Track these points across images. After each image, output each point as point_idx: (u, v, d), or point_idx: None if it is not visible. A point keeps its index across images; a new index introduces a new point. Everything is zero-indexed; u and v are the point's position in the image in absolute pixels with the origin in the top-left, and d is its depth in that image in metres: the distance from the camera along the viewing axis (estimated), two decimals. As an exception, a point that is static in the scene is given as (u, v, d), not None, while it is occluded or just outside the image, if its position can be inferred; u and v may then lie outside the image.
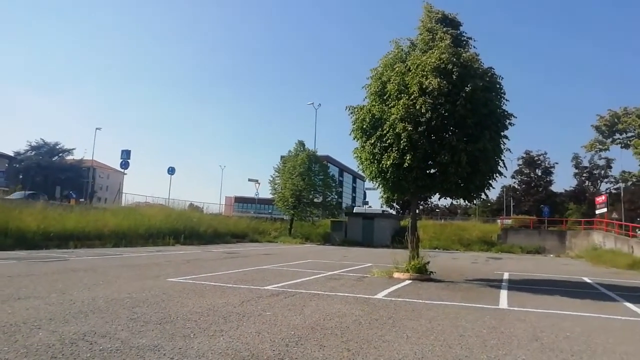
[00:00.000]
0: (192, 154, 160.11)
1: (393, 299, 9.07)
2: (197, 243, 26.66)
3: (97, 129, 55.31)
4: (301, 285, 10.58)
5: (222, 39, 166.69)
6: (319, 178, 38.86)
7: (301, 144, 39.65)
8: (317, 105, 49.03)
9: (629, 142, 12.55)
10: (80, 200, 44.31)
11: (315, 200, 38.44)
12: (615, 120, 13.08)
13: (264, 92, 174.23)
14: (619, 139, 13.24)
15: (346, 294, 9.35)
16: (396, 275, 12.91)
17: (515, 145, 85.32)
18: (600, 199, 37.35)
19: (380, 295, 9.43)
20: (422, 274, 12.78)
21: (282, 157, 42.30)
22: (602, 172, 58.69)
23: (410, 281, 12.18)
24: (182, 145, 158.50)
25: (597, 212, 36.20)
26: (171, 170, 41.66)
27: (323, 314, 7.06)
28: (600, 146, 13.32)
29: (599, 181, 60.23)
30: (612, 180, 55.40)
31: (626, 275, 17.71)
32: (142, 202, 40.54)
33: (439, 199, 15.18)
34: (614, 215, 38.69)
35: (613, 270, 20.29)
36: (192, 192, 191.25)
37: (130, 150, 38.41)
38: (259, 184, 45.50)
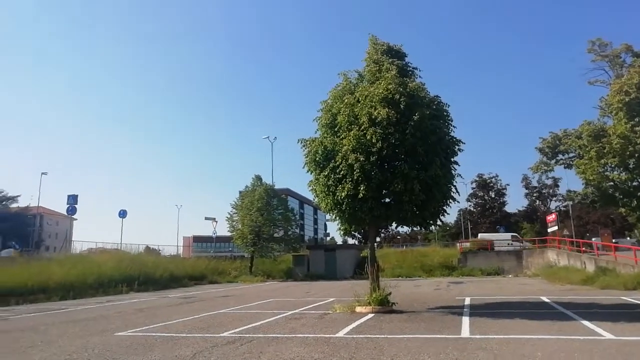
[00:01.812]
0: (146, 195, 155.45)
1: (355, 336, 8.75)
2: (153, 289, 25.35)
3: (42, 173, 52.95)
4: (260, 328, 10.08)
5: (173, 74, 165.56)
6: (278, 212, 38.35)
7: (258, 178, 39.21)
8: (273, 139, 48.94)
9: (571, 162, 13.26)
10: (26, 250, 41.62)
11: (276, 235, 37.78)
12: (557, 142, 13.80)
13: (219, 128, 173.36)
14: (562, 159, 14.01)
15: (307, 335, 8.96)
16: (358, 309, 12.60)
17: (469, 169, 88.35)
18: (551, 217, 38.79)
19: (341, 334, 9.08)
20: (384, 305, 12.54)
21: (240, 192, 41.59)
22: (551, 191, 61.48)
23: (372, 315, 11.90)
24: (135, 186, 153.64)
25: (549, 230, 37.49)
26: (122, 214, 39.98)
27: (280, 360, 6.65)
28: (545, 167, 13.99)
29: (548, 200, 62.98)
30: (561, 198, 58.08)
31: (581, 291, 18.14)
32: (94, 248, 38.62)
33: (396, 227, 15.19)
34: (565, 232, 40.21)
35: (568, 287, 20.76)
36: (149, 234, 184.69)
37: (77, 195, 36.51)
38: (217, 222, 44.43)
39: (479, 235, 39.37)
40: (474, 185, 66.61)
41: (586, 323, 9.67)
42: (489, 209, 64.29)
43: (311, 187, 14.22)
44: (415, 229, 19.03)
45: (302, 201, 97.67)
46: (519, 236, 41.51)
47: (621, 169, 12.27)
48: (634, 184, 12.18)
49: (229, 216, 38.69)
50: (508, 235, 40.86)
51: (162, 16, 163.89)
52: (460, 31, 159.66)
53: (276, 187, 41.85)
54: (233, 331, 9.65)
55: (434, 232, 69.08)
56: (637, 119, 11.87)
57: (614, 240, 39.07)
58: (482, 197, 66.14)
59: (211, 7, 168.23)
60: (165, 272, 28.84)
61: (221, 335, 9.21)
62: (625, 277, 19.17)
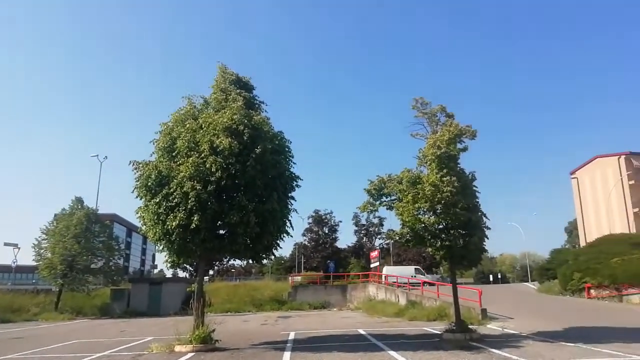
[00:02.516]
0: None
1: (171, 379, 7.98)
2: None
3: None
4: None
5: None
6: (99, 240, 34.30)
7: (79, 201, 34.68)
8: (103, 158, 44.13)
9: (392, 205, 14.80)
10: None
11: (93, 266, 33.45)
12: (382, 185, 15.27)
13: (37, 143, 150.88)
14: (385, 201, 15.48)
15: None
16: (178, 348, 11.72)
17: (307, 205, 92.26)
18: (374, 253, 42.50)
19: (156, 377, 8.20)
20: (207, 343, 11.90)
21: (55, 215, 36.11)
22: (377, 229, 67.50)
23: (192, 354, 11.17)
24: None
25: (372, 265, 40.92)
26: None
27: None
28: (371, 207, 15.29)
29: (374, 237, 68.93)
30: (384, 236, 64.12)
31: (393, 323, 19.88)
32: None
33: (227, 261, 14.82)
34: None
35: (384, 319, 22.57)
36: None
37: None
38: (19, 248, 37.77)
39: (385, 268, 40.84)
40: (310, 220, 69.66)
41: (392, 353, 10.56)
42: (322, 244, 67.55)
43: (139, 214, 13.10)
44: (249, 262, 18.87)
45: (131, 229, 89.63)
46: (421, 269, 44.32)
47: (431, 212, 13.96)
48: (440, 226, 13.90)
49: (36, 242, 33.19)
50: (412, 269, 43.16)
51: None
52: (309, 78, 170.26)
53: (101, 211, 37.71)
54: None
55: (267, 265, 69.69)
56: (445, 170, 13.71)
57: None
58: (316, 232, 69.30)
59: None
60: None
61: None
62: (428, 310, 21.66)
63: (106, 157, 44.41)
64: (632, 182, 48.43)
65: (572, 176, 57.07)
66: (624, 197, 48.38)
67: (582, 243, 48.16)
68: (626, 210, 48.01)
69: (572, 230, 74.05)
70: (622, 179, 48.72)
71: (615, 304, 24.87)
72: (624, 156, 49.67)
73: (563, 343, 11.73)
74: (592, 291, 27.92)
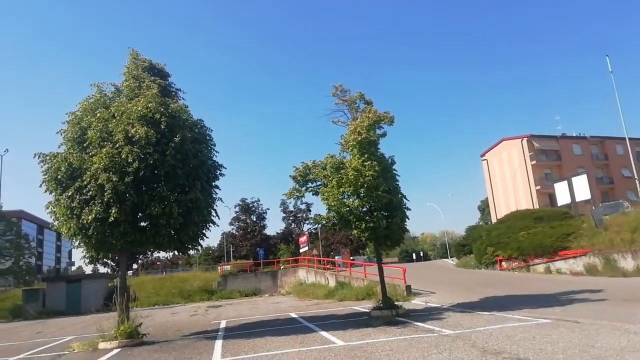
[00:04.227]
0: None
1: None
2: None
3: None
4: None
5: None
6: (5, 239, 31.63)
7: (-21, 198, 31.74)
8: (4, 151, 40.35)
9: (317, 190, 15.09)
10: None
11: (1, 266, 30.89)
12: (307, 171, 15.50)
13: None
14: (310, 187, 15.74)
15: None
16: (102, 345, 11.25)
17: (233, 193, 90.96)
18: (303, 239, 43.08)
19: (77, 378, 7.86)
20: (134, 338, 11.56)
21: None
22: (304, 215, 68.24)
23: (119, 350, 10.79)
24: None
25: (301, 250, 41.49)
26: None
27: None
28: (297, 194, 15.48)
29: (302, 223, 69.63)
30: (312, 221, 65.10)
31: (324, 305, 20.43)
32: None
33: (152, 253, 14.36)
34: (315, 252, 45.15)
35: (315, 301, 23.13)
36: None
37: None
38: None
39: (354, 259, 41.59)
40: (237, 209, 68.84)
41: (324, 333, 10.88)
42: (250, 232, 67.12)
43: (50, 209, 12.28)
44: (175, 253, 18.37)
45: (42, 225, 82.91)
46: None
47: (355, 196, 14.43)
48: (364, 209, 14.42)
49: None
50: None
51: None
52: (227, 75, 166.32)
53: (5, 208, 34.63)
54: None
55: (195, 256, 68.11)
56: (366, 155, 14.21)
57: (351, 258, 45.95)
58: (244, 221, 68.69)
59: None
60: None
61: None
62: (357, 290, 22.48)
63: (7, 150, 40.70)
64: (534, 162, 53.15)
65: (482, 158, 61.43)
66: (528, 176, 53.01)
67: (494, 219, 52.22)
68: (530, 187, 52.75)
69: (484, 208, 79.94)
70: (525, 159, 53.27)
71: (524, 273, 27.33)
72: (526, 138, 54.27)
73: (480, 312, 12.72)
74: (503, 263, 30.42)
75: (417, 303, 17.34)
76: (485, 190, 62.27)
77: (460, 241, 57.59)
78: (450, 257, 58.50)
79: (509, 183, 55.07)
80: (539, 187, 51.49)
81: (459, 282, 24.68)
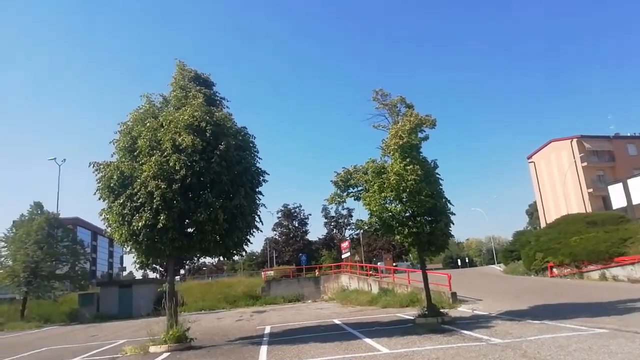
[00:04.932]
0: None
1: (145, 380, 7.94)
2: None
3: None
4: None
5: None
6: (63, 245, 33.29)
7: (38, 205, 33.54)
8: (62, 161, 42.84)
9: (359, 195, 15.05)
10: None
11: (58, 271, 32.53)
12: (349, 176, 15.51)
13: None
14: (352, 192, 15.74)
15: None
16: (152, 349, 11.60)
17: (276, 199, 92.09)
18: (345, 244, 42.99)
19: (130, 379, 8.14)
20: (182, 342, 11.85)
21: (14, 222, 34.76)
22: (346, 220, 68.05)
23: (168, 353, 11.10)
24: None
25: (343, 256, 41.39)
26: None
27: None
28: (339, 199, 15.51)
29: (344, 228, 69.45)
30: (353, 227, 64.67)
31: (367, 312, 20.23)
32: None
33: (198, 259, 14.74)
34: (357, 257, 44.94)
35: (358, 308, 22.94)
36: None
37: None
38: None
39: (397, 265, 42.08)
40: (279, 214, 69.56)
41: (368, 340, 10.75)
42: (292, 238, 67.63)
43: (103, 216, 12.86)
44: (220, 259, 18.75)
45: (96, 232, 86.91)
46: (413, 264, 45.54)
47: (397, 201, 14.25)
48: (406, 214, 14.21)
49: (-5, 250, 31.93)
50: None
51: None
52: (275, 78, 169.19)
53: (62, 216, 36.53)
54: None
55: (239, 262, 69.26)
56: (408, 159, 14.03)
57: (394, 264, 45.41)
58: (286, 227, 69.31)
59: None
60: None
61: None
62: (401, 297, 22.13)
63: (65, 159, 43.13)
64: (585, 164, 50.68)
65: (529, 160, 59.21)
66: (579, 179, 50.61)
67: (543, 224, 50.18)
68: (581, 190, 50.33)
69: (532, 212, 76.93)
70: (575, 161, 50.88)
71: (577, 280, 26.05)
72: (576, 139, 51.89)
73: (530, 321, 12.21)
74: (554, 270, 29.14)
75: (463, 310, 16.86)
76: (532, 193, 60.05)
77: (507, 247, 55.60)
78: (497, 263, 56.59)
79: (558, 186, 52.82)
80: (591, 190, 49.11)
81: (507, 289, 23.82)
